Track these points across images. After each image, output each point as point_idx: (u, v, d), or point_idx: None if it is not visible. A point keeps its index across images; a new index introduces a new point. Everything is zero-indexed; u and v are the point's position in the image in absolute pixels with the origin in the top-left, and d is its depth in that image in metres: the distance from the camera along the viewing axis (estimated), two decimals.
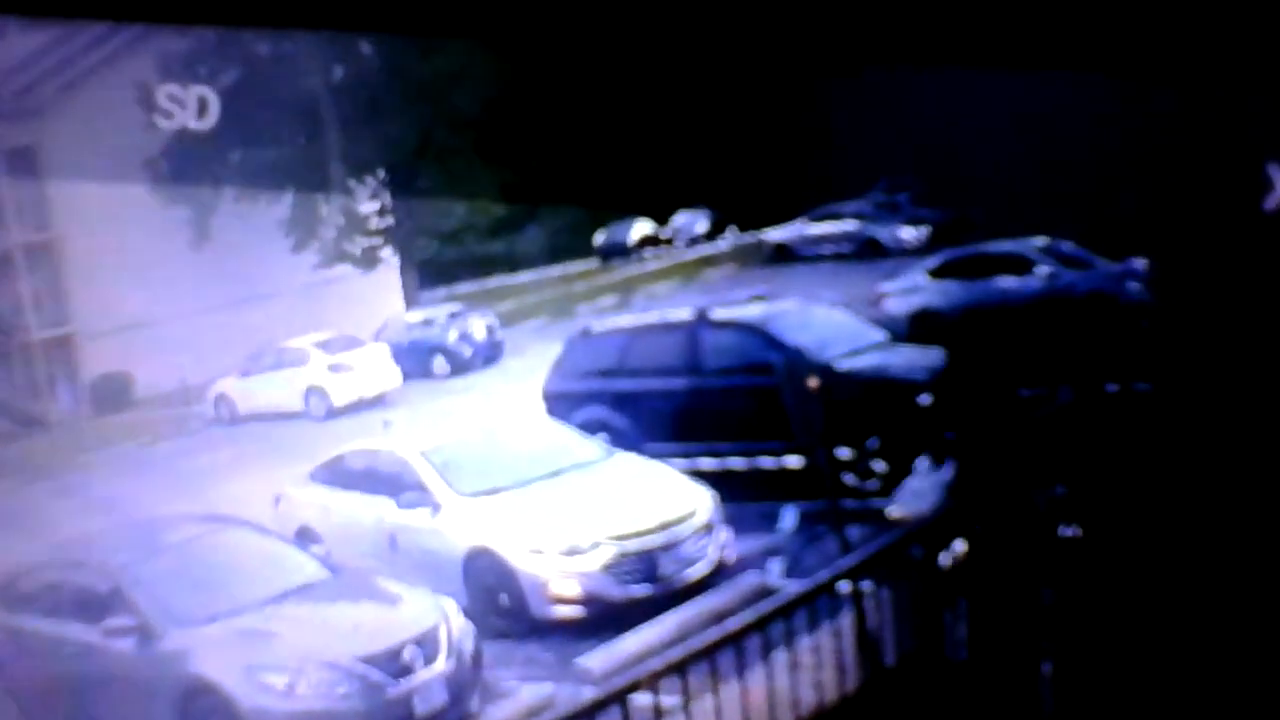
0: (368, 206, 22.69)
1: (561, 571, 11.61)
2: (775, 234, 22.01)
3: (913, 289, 16.52)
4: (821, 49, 4.26)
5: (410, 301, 24.12)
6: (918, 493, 10.11)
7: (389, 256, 23.70)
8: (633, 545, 11.72)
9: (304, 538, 12.86)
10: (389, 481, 12.75)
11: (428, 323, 21.71)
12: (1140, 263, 14.31)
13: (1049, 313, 15.16)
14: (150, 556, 11.22)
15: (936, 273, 16.64)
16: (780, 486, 13.20)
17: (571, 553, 11.65)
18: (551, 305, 23.53)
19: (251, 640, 10.28)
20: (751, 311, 14.95)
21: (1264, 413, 7.28)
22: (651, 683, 6.62)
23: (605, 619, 11.34)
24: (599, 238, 25.33)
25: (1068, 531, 8.32)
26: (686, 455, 13.51)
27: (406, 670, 10.11)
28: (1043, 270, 15.60)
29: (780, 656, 7.54)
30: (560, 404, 14.92)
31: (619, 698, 6.36)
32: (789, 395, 12.36)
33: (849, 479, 12.62)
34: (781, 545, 12.39)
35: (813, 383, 11.89)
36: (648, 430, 14.19)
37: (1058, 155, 6.34)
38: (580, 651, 10.82)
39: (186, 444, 19.76)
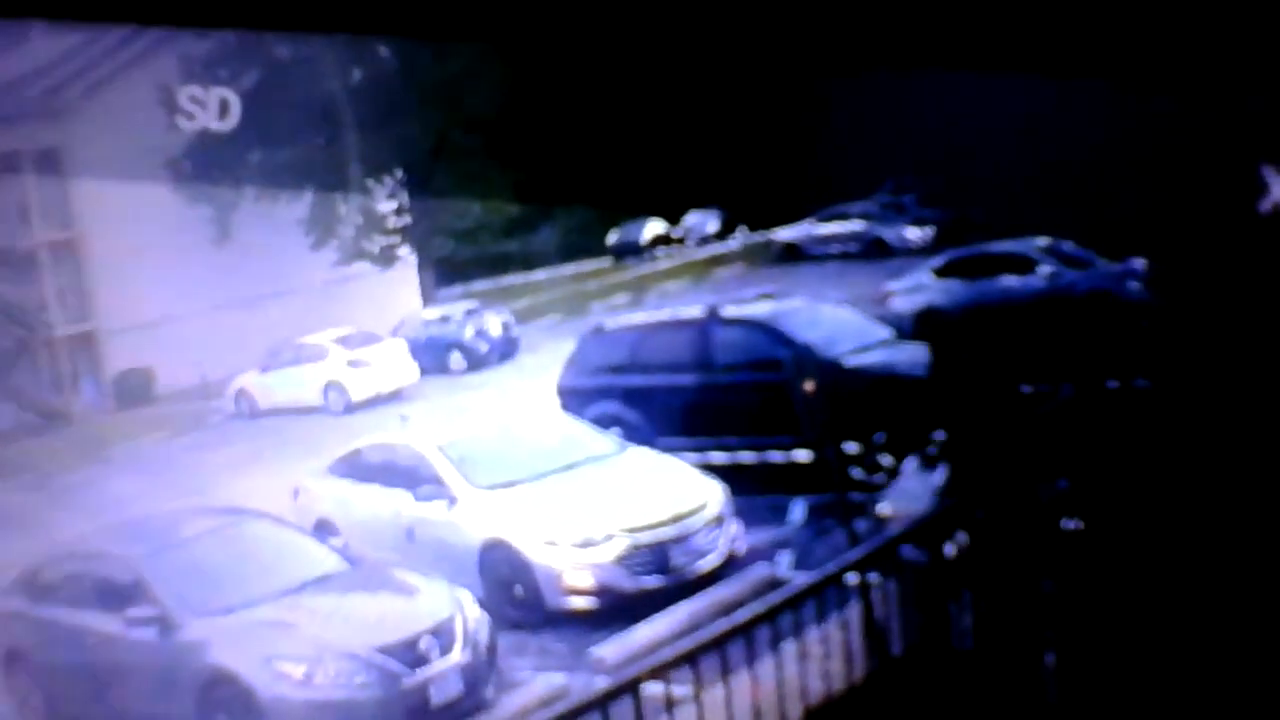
0: (385, 206, 22.84)
1: (575, 563, 11.63)
2: (784, 234, 22.14)
3: (918, 288, 16.62)
4: (829, 52, 4.38)
5: (427, 299, 24.25)
6: (907, 492, 10.16)
7: (406, 254, 23.86)
8: (645, 538, 11.73)
9: (322, 530, 12.93)
10: (406, 475, 12.77)
11: (444, 319, 21.76)
12: (1140, 262, 14.41)
13: (1051, 311, 15.23)
14: (171, 548, 11.22)
15: (941, 272, 16.75)
16: (789, 480, 13.27)
17: (585, 545, 11.68)
18: (565, 303, 23.59)
19: (270, 630, 10.27)
20: (761, 309, 15.03)
21: (1260, 408, 7.38)
22: (663, 672, 6.66)
23: (618, 610, 11.36)
24: (612, 237, 25.43)
25: (1070, 524, 8.37)
26: (697, 449, 13.57)
27: (423, 660, 10.09)
28: (1044, 270, 15.69)
29: (789, 647, 7.53)
30: (574, 399, 15.01)
31: (631, 687, 6.39)
32: (797, 391, 12.42)
33: (856, 473, 12.66)
34: (790, 538, 12.48)
35: (809, 386, 11.96)
36: (659, 425, 14.27)
37: (1059, 157, 6.40)
38: (593, 642, 10.84)
39: (206, 438, 19.84)
